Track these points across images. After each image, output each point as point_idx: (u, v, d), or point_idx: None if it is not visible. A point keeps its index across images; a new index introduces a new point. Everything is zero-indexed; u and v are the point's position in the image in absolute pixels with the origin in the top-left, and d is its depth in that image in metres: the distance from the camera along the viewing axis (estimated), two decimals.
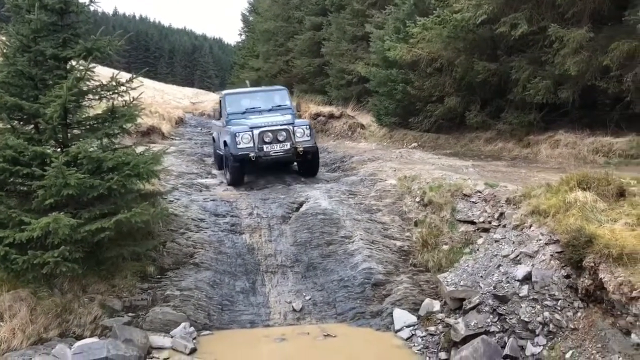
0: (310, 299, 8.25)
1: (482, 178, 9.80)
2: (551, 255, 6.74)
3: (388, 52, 15.28)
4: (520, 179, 9.62)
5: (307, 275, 8.67)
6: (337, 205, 9.98)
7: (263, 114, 12.44)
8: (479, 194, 9.12)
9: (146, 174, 7.95)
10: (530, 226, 7.47)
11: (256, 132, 11.20)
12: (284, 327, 7.78)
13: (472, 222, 8.74)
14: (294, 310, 8.05)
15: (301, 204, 10.10)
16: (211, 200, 10.33)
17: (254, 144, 11.12)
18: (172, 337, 7.20)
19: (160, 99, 29.75)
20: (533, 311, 6.36)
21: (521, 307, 6.46)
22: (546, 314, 6.24)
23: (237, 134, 11.15)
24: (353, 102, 22.08)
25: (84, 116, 8.40)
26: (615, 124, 11.27)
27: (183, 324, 7.39)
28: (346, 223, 9.56)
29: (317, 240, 9.18)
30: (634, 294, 5.20)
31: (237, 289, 8.33)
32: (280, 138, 11.24)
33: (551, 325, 6.14)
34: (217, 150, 13.42)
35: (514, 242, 7.53)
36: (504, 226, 8.11)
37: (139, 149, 8.57)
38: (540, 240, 7.07)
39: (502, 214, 8.42)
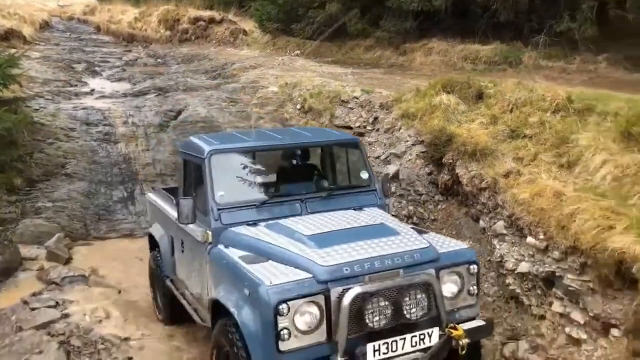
0: None
1: (360, 85, 10.08)
2: (417, 154, 7.24)
3: None
4: (395, 85, 10.01)
5: None
6: (218, 113, 9.90)
7: (324, 216, 4.32)
8: (355, 100, 9.41)
9: (2, 79, 7.30)
10: (400, 129, 7.91)
11: (348, 295, 3.43)
12: None
13: (350, 127, 9.05)
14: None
15: (179, 112, 9.88)
16: (82, 109, 9.78)
17: (337, 331, 3.43)
18: (46, 248, 6.98)
19: (21, 0, 26.64)
20: (400, 206, 6.90)
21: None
22: (410, 207, 6.81)
23: (279, 304, 3.32)
24: (235, 6, 21.17)
25: None
26: (482, 32, 11.89)
27: (57, 235, 7.17)
28: (227, 131, 9.55)
29: None
30: (483, 184, 5.79)
31: (114, 198, 8.18)
32: (412, 311, 3.61)
33: (415, 218, 6.72)
34: (165, 279, 5.49)
35: (385, 145, 7.97)
36: (377, 130, 8.51)
37: None
38: (407, 141, 7.54)
39: (376, 118, 8.80)
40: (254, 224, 4.21)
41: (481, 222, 5.90)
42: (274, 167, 5.05)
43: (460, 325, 3.67)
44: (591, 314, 4.38)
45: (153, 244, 5.94)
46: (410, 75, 11.18)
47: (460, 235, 6.24)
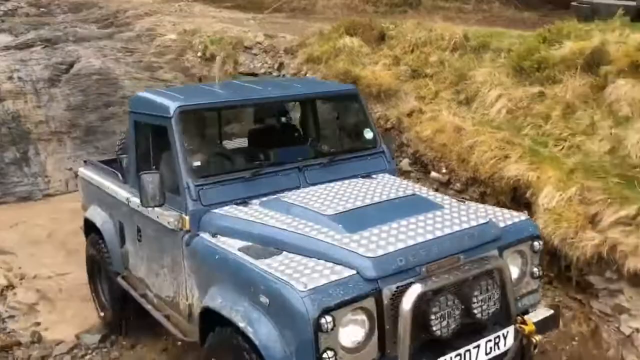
0: None
1: (263, 30, 9.86)
2: None
3: None
4: (298, 29, 9.87)
5: (87, 140, 8.26)
6: (114, 64, 9.37)
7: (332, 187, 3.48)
8: (259, 45, 9.23)
9: None
10: (306, 73, 7.86)
11: (409, 295, 2.53)
12: (68, 194, 7.47)
13: (255, 74, 8.90)
14: (77, 175, 7.71)
15: (71, 65, 9.23)
16: None
17: (395, 344, 2.58)
18: None
19: None
20: None
21: None
22: None
23: (321, 316, 2.37)
24: None
25: None
26: None
27: None
28: (125, 83, 9.11)
29: (94, 102, 8.68)
30: (388, 125, 5.93)
31: (6, 160, 7.64)
32: (484, 308, 2.75)
33: None
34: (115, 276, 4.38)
35: None
36: (284, 76, 8.43)
37: None
38: None
39: (281, 64, 8.69)
40: (244, 202, 3.30)
41: None
42: (260, 128, 4.17)
43: (527, 317, 2.98)
44: None
45: (90, 231, 4.74)
46: (314, 18, 11.08)
47: None
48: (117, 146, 4.91)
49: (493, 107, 5.29)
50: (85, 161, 5.36)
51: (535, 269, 3.13)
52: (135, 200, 3.61)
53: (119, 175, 4.20)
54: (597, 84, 4.97)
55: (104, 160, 4.98)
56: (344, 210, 3.01)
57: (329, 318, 2.34)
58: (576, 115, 4.83)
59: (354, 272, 2.53)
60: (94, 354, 4.37)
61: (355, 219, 2.91)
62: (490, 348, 2.73)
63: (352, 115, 4.15)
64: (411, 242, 2.67)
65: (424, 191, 3.52)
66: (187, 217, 3.22)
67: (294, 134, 4.29)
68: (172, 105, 3.39)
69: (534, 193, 4.26)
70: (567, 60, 5.21)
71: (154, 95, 3.82)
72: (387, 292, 2.52)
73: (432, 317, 2.53)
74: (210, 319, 2.89)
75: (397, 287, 2.54)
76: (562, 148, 4.57)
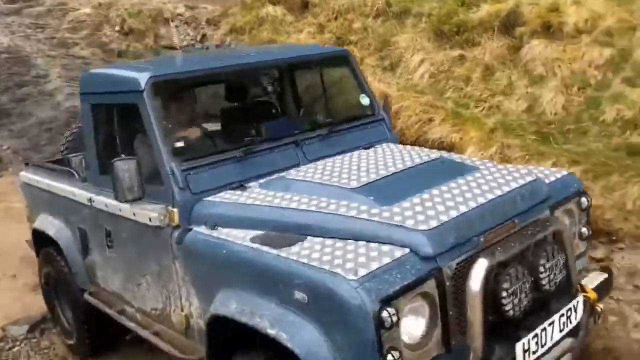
0: (8, 148, 7.52)
1: (183, 1, 9.57)
2: None
3: None
4: None
5: (0, 123, 7.78)
6: (24, 42, 8.89)
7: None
8: (180, 17, 8.99)
9: None
10: (230, 44, 7.73)
11: (477, 271, 2.08)
12: None
13: (176, 48, 8.66)
14: None
15: None
16: None
17: (466, 333, 2.11)
18: None
19: None
20: None
21: None
22: None
23: (382, 309, 1.86)
24: None
25: None
26: None
27: None
28: (38, 61, 8.64)
29: (5, 83, 8.19)
30: None
31: None
32: (551, 277, 2.34)
33: None
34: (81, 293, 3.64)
35: None
36: (207, 48, 8.23)
37: None
38: None
39: (204, 35, 8.51)
40: (240, 186, 2.78)
41: None
42: (246, 100, 3.66)
43: (583, 283, 2.64)
44: None
45: (41, 244, 4.00)
46: None
47: None
48: (62, 145, 4.35)
49: (416, 71, 5.39)
50: (26, 163, 4.46)
51: (584, 229, 2.76)
52: (101, 200, 3.11)
53: (76, 174, 3.54)
54: (514, 45, 5.15)
55: (55, 160, 4.25)
56: (370, 181, 2.54)
57: (391, 310, 1.87)
58: (495, 77, 5.00)
59: (407, 250, 2.08)
60: (22, 345, 4.17)
61: (386, 190, 2.47)
62: (564, 323, 2.33)
63: (345, 80, 3.68)
64: (463, 209, 2.26)
65: (446, 154, 3.06)
66: (175, 210, 2.65)
67: (285, 104, 3.81)
68: (142, 77, 2.78)
69: (457, 153, 4.40)
70: (484, 23, 5.37)
71: (113, 69, 3.24)
72: (447, 271, 2.07)
73: (504, 294, 2.11)
74: (217, 331, 2.42)
75: (458, 264, 2.11)
76: (483, 109, 4.74)
